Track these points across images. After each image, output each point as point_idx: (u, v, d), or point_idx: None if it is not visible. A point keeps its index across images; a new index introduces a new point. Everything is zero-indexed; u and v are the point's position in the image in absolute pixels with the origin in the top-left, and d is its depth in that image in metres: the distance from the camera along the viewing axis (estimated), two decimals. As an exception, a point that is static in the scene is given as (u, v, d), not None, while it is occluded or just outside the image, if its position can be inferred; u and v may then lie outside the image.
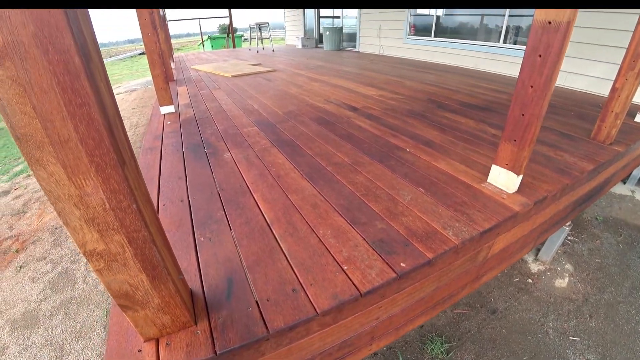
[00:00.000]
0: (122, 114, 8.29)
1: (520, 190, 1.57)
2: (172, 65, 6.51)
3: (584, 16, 3.51)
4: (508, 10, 4.67)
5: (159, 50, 3.03)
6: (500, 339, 2.12)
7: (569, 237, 2.95)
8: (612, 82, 2.14)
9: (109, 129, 0.60)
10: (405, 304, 1.22)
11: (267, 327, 0.88)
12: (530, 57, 1.32)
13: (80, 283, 2.88)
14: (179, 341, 0.84)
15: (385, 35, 6.81)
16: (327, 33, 8.09)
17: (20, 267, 3.24)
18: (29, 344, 2.45)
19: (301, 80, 4.35)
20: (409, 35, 6.35)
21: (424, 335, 2.15)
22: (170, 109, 3.12)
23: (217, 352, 0.81)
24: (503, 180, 1.57)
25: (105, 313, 2.54)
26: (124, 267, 0.72)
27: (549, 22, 1.23)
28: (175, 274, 0.83)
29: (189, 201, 1.55)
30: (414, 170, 1.73)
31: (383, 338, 1.27)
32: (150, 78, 14.15)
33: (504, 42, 4.79)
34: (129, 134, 6.69)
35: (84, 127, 0.57)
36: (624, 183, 3.52)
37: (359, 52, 7.70)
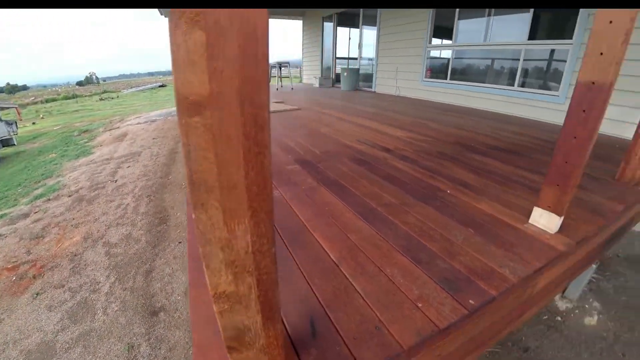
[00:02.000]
0: (142, 143, 8.54)
1: (561, 230, 1.68)
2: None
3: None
4: (523, 54, 4.94)
5: None
6: None
7: (593, 275, 2.97)
8: (625, 123, 2.30)
9: (271, 176, 0.67)
10: (463, 339, 1.31)
11: (360, 363, 0.97)
12: (574, 111, 1.48)
13: (100, 314, 2.85)
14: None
15: (401, 77, 7.17)
16: (345, 74, 8.52)
17: (37, 294, 3.21)
18: (43, 379, 2.39)
19: (328, 119, 4.59)
20: (425, 77, 6.70)
21: None
22: None
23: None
24: (545, 221, 1.69)
25: (127, 348, 2.52)
26: (246, 308, 0.74)
27: (593, 83, 1.41)
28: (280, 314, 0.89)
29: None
30: (458, 211, 1.86)
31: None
32: (170, 109, 14.71)
33: (520, 86, 5.04)
34: (149, 163, 6.90)
35: (254, 174, 0.62)
36: (648, 223, 3.60)
37: (375, 92, 8.06)
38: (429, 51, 6.57)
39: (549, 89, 4.67)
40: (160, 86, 39.83)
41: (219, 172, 0.58)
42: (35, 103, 33.27)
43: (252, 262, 0.69)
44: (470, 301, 1.19)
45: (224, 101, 0.53)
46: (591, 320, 2.55)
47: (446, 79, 6.32)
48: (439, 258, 1.44)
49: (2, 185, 7.81)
